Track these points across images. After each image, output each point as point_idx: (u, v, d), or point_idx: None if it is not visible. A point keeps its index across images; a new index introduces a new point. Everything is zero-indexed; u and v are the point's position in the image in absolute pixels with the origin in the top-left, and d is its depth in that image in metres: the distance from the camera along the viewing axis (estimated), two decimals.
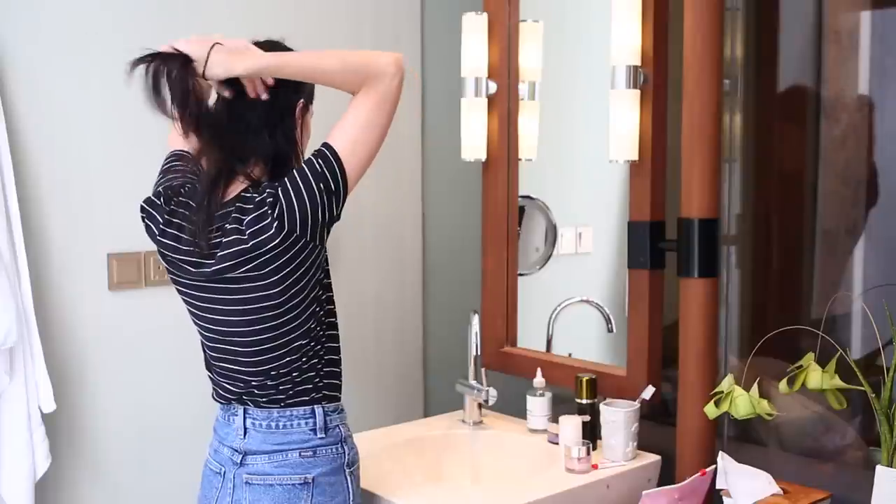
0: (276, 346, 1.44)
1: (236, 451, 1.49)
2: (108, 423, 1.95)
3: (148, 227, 1.48)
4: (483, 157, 2.17)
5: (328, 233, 1.42)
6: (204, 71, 1.35)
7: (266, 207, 1.36)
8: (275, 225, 1.35)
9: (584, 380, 1.90)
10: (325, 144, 1.40)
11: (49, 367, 1.80)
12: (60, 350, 1.88)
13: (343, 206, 1.41)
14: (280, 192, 1.36)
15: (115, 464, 1.96)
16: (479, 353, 2.07)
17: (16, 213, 1.76)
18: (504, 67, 2.13)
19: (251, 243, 1.36)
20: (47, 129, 1.85)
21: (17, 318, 1.70)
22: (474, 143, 2.16)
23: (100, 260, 1.93)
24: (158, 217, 1.47)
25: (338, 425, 1.50)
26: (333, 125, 1.43)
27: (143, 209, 1.49)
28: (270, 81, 1.43)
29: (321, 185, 1.37)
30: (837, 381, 1.50)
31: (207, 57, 1.35)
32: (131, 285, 1.97)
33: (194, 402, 1.98)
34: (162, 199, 1.48)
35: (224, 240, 1.38)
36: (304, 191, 1.36)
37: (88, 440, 1.93)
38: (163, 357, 2.01)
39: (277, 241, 1.36)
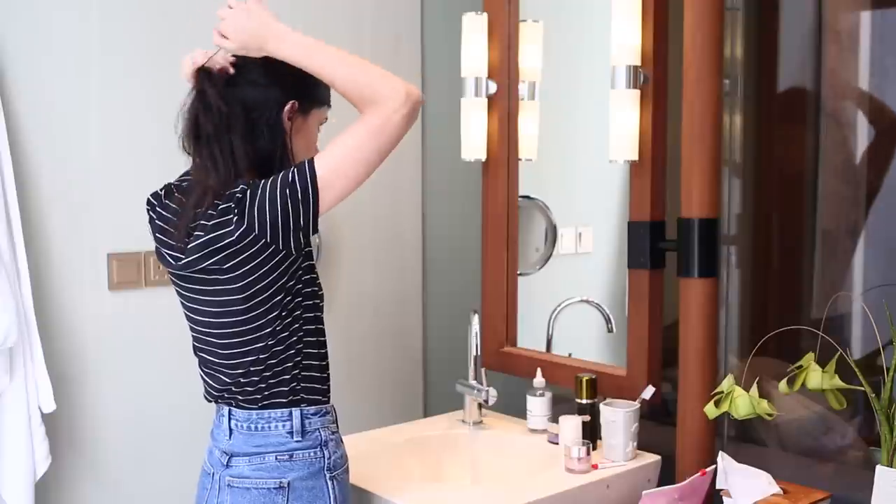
0: (243, 342, 1.44)
1: (224, 452, 1.50)
2: (108, 423, 1.95)
3: (150, 220, 1.52)
4: (483, 157, 2.17)
5: (300, 243, 1.40)
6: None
7: (232, 202, 1.37)
8: (234, 220, 1.36)
9: (584, 380, 1.90)
10: (310, 160, 1.39)
11: (49, 367, 1.80)
12: (60, 350, 1.89)
13: (315, 221, 1.38)
14: (249, 190, 1.37)
15: (115, 464, 1.97)
16: (479, 353, 2.07)
17: (16, 213, 1.76)
18: (504, 67, 2.13)
19: (211, 235, 1.37)
20: (47, 129, 1.85)
21: (17, 318, 1.70)
22: (474, 143, 2.16)
23: (100, 260, 1.93)
24: (156, 210, 1.50)
25: (318, 429, 1.49)
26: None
27: (148, 202, 1.53)
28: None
29: (287, 192, 1.35)
30: (837, 381, 1.50)
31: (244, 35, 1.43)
32: (131, 285, 1.97)
33: (194, 402, 1.97)
34: (164, 193, 1.51)
35: (195, 233, 1.40)
36: (268, 193, 1.36)
37: (88, 440, 1.93)
38: (163, 357, 2.01)
39: (236, 236, 1.36)
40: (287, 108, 1.46)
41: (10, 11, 1.80)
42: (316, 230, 1.41)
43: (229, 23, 1.44)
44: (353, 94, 1.41)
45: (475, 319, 2.07)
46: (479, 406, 2.09)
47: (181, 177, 1.54)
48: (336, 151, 1.40)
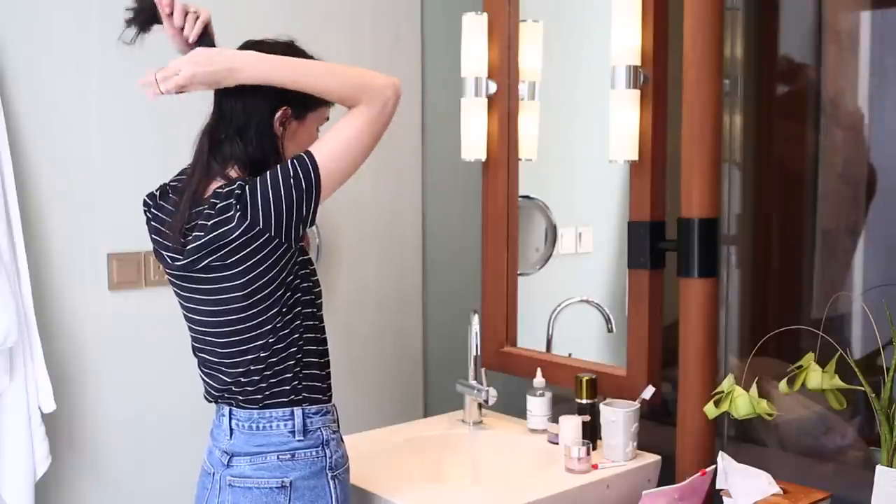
0: (244, 340, 1.44)
1: (225, 452, 1.50)
2: (108, 423, 1.95)
3: (147, 221, 1.52)
4: (483, 157, 2.17)
5: (299, 234, 1.41)
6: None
7: (232, 199, 1.37)
8: (237, 216, 1.36)
9: (584, 380, 1.90)
10: (307, 151, 1.41)
11: (49, 367, 1.80)
12: (60, 350, 1.89)
13: (315, 211, 1.41)
14: (248, 186, 1.38)
15: (115, 464, 1.97)
16: (479, 353, 2.07)
17: (16, 213, 1.76)
18: (504, 67, 2.13)
19: (213, 234, 1.37)
20: (47, 129, 1.85)
21: (17, 318, 1.70)
22: (474, 143, 2.16)
23: (100, 260, 1.93)
24: (152, 211, 1.51)
25: (319, 428, 1.49)
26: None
27: (144, 202, 1.53)
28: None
29: (290, 183, 1.37)
30: (837, 381, 1.50)
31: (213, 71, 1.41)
32: (131, 285, 1.97)
33: (194, 402, 1.97)
34: (158, 193, 1.52)
35: (194, 233, 1.40)
36: (270, 186, 1.37)
37: (88, 440, 1.93)
38: (163, 357, 2.01)
39: (239, 232, 1.36)
40: (279, 114, 1.46)
41: (10, 11, 1.80)
42: (314, 221, 1.43)
43: (188, 68, 1.42)
44: (344, 92, 1.44)
45: (475, 319, 2.07)
46: (479, 406, 2.09)
47: (176, 176, 1.54)
48: (334, 142, 1.42)
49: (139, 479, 2.00)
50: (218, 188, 1.41)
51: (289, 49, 1.50)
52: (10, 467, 1.75)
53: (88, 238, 1.92)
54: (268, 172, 1.39)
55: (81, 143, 1.90)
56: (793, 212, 1.83)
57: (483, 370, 2.07)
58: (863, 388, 1.47)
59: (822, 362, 1.52)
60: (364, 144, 1.44)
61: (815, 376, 1.51)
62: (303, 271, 1.48)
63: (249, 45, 1.48)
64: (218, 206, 1.38)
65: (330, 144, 1.42)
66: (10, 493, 1.75)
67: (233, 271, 1.40)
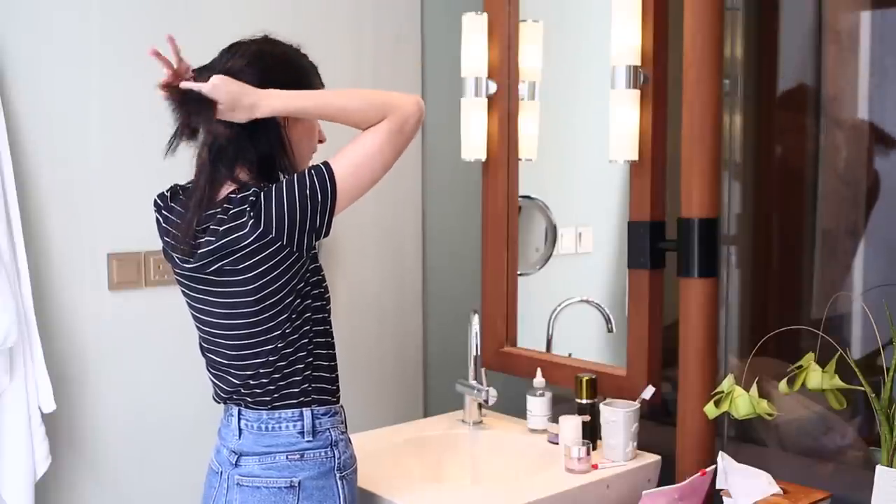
0: (252, 343, 1.44)
1: (233, 451, 1.50)
2: (108, 423, 1.95)
3: (157, 221, 1.52)
4: (483, 157, 2.17)
5: (311, 244, 1.41)
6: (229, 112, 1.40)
7: (246, 205, 1.37)
8: (250, 223, 1.36)
9: (584, 380, 1.90)
10: (325, 162, 1.41)
11: (49, 367, 1.80)
12: (60, 350, 1.89)
13: (329, 222, 1.41)
14: (263, 193, 1.38)
15: (115, 464, 1.97)
16: (479, 353, 2.07)
17: (16, 213, 1.76)
18: (504, 67, 2.13)
19: (225, 239, 1.37)
20: (47, 129, 1.85)
21: (17, 318, 1.70)
22: (474, 143, 2.16)
23: (100, 260, 1.93)
24: (163, 212, 1.51)
25: (328, 429, 1.49)
26: (341, 148, 1.44)
27: (155, 203, 1.53)
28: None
29: (306, 193, 1.37)
30: (837, 381, 1.50)
31: (231, 101, 1.38)
32: (131, 285, 1.97)
33: (195, 402, 1.98)
34: (169, 194, 1.52)
35: (205, 237, 1.40)
36: (285, 195, 1.37)
37: (88, 440, 1.93)
38: (163, 357, 2.01)
39: (251, 239, 1.36)
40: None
41: (10, 11, 1.80)
42: (328, 232, 1.42)
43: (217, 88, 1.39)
44: (369, 114, 1.43)
45: (475, 319, 2.07)
46: (479, 406, 2.09)
47: (191, 180, 1.54)
48: (353, 155, 1.42)
49: (139, 479, 2.00)
50: (231, 193, 1.41)
51: (266, 44, 1.49)
52: (10, 467, 1.75)
53: (88, 238, 1.92)
54: (284, 181, 1.39)
55: (81, 143, 1.90)
56: (793, 212, 1.83)
57: (483, 370, 2.07)
58: (863, 388, 1.47)
59: (822, 362, 1.52)
60: (383, 160, 1.44)
61: (815, 376, 1.51)
62: (314, 278, 1.48)
63: (225, 51, 1.48)
64: (231, 211, 1.38)
65: (349, 157, 1.42)
66: (10, 493, 1.75)
67: (243, 276, 1.40)
